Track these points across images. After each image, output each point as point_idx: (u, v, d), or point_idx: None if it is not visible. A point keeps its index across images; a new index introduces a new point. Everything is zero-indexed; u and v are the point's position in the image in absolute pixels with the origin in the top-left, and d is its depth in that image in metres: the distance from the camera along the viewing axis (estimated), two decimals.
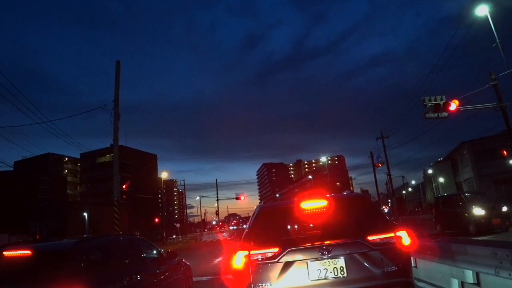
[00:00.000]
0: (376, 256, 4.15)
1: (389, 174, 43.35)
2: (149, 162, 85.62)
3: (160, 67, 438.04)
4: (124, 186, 22.10)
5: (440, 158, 61.09)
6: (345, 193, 6.36)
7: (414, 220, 33.41)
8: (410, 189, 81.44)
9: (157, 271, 6.60)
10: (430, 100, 18.55)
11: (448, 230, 18.43)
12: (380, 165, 45.66)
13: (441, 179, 55.72)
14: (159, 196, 58.22)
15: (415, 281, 7.85)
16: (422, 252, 8.02)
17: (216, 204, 65.22)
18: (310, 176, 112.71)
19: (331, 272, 4.11)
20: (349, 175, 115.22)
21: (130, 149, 79.00)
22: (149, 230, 61.82)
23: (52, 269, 4.45)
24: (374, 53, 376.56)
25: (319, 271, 4.12)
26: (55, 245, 5.55)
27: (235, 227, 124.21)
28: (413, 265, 8.35)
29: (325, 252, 4.12)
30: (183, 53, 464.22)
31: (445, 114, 18.52)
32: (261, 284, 4.14)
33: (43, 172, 65.18)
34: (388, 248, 4.21)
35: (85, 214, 41.78)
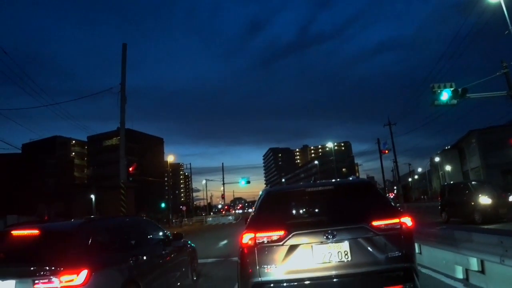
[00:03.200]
0: (380, 241, 4.16)
1: (395, 161, 43.25)
2: (156, 146, 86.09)
3: (164, 52, 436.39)
4: (130, 169, 22.28)
5: (447, 147, 60.77)
6: (350, 179, 6.35)
7: (419, 207, 33.39)
8: (416, 177, 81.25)
9: (163, 252, 6.63)
10: (439, 87, 18.32)
11: (454, 218, 18.33)
12: (386, 152, 45.45)
13: (448, 168, 55.51)
14: (165, 179, 58.58)
15: (419, 268, 7.90)
16: (426, 239, 8.02)
17: (221, 188, 65.60)
18: (316, 162, 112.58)
19: (335, 256, 4.12)
20: (355, 161, 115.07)
21: (136, 133, 79.36)
22: (155, 213, 62.33)
23: (59, 248, 4.58)
24: (380, 39, 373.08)
25: (323, 254, 4.13)
26: (62, 225, 5.64)
27: (240, 211, 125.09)
28: (417, 251, 8.28)
29: (329, 236, 4.12)
30: (187, 38, 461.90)
31: (454, 101, 18.29)
32: (266, 266, 4.18)
33: (50, 154, 65.63)
34: (392, 234, 4.20)
35: (92, 196, 42.08)
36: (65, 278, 4.17)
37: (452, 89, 18.09)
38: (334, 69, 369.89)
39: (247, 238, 4.32)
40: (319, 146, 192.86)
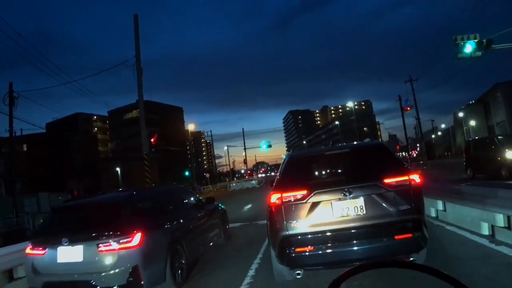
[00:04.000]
0: (391, 196, 4.61)
1: (417, 118, 42.39)
2: (175, 115, 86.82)
3: (178, 21, 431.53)
4: (152, 140, 22.54)
5: (471, 101, 59.04)
6: (366, 141, 7.17)
7: (443, 164, 32.92)
8: (439, 133, 79.72)
9: (198, 215, 7.52)
10: (462, 39, 17.56)
11: (479, 174, 17.98)
12: (408, 108, 44.46)
13: (472, 123, 54.16)
14: (187, 147, 59.36)
15: (443, 225, 7.91)
16: (451, 196, 7.97)
17: (243, 153, 66.23)
18: (337, 122, 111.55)
19: (352, 210, 4.61)
20: (377, 120, 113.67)
21: (155, 104, 79.79)
22: (179, 182, 63.90)
23: (115, 216, 5.39)
24: None
25: (341, 209, 4.63)
26: (112, 197, 6.46)
27: (263, 175, 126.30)
28: (441, 208, 8.43)
29: (346, 193, 4.60)
30: (200, 3, 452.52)
31: (478, 53, 17.54)
32: (292, 221, 4.68)
33: (74, 132, 67.17)
34: (402, 190, 4.66)
35: (118, 169, 43.19)
36: (123, 240, 5.01)
37: (476, 40, 17.30)
38: (352, 26, 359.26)
39: (274, 198, 4.84)
40: (339, 106, 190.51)
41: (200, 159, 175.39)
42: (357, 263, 3.73)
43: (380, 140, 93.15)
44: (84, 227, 5.33)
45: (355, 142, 7.93)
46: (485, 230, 6.62)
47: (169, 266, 5.60)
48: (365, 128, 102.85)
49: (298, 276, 4.90)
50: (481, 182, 14.70)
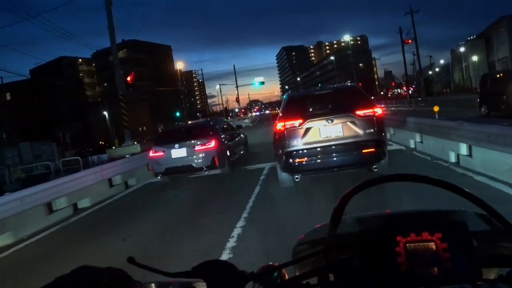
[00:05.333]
0: (361, 123, 6.54)
1: (417, 53, 40.34)
2: (164, 54, 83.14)
3: None
4: (129, 79, 20.55)
5: (472, 36, 56.49)
6: (346, 83, 10.03)
7: (446, 101, 31.24)
8: (437, 70, 77.54)
9: (235, 135, 12.65)
10: None
11: (495, 111, 16.12)
12: (410, 41, 42.08)
13: (474, 58, 52.08)
14: (179, 87, 57.24)
15: (470, 173, 6.73)
16: (479, 138, 6.60)
17: (236, 92, 64.28)
18: (332, 58, 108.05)
19: (333, 133, 6.59)
20: (373, 56, 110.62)
21: (142, 43, 76.11)
22: (172, 122, 62.67)
23: (199, 133, 10.46)
24: None
25: (326, 132, 6.61)
26: (197, 123, 13.86)
27: (257, 113, 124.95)
28: (466, 153, 7.43)
29: (329, 121, 6.56)
30: None
31: None
32: (292, 141, 6.66)
33: (59, 76, 63.97)
34: (368, 119, 6.56)
35: (105, 113, 41.56)
36: (206, 144, 9.83)
37: None
38: None
39: (280, 125, 6.80)
40: (334, 42, 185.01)
41: (193, 99, 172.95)
42: (336, 169, 6.83)
43: (376, 76, 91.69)
44: (185, 138, 10.22)
45: (336, 85, 10.86)
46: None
47: (227, 159, 10.40)
48: (360, 64, 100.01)
49: (297, 180, 7.10)
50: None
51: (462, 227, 0.69)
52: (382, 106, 46.91)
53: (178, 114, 56.31)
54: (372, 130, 6.54)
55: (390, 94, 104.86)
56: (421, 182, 0.76)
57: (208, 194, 8.61)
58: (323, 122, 6.59)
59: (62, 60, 72.99)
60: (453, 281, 0.62)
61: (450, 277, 0.63)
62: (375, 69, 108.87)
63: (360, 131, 6.54)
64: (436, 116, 11.80)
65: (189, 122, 15.94)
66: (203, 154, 9.84)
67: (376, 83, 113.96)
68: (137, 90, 62.97)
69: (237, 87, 60.61)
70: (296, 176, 7.05)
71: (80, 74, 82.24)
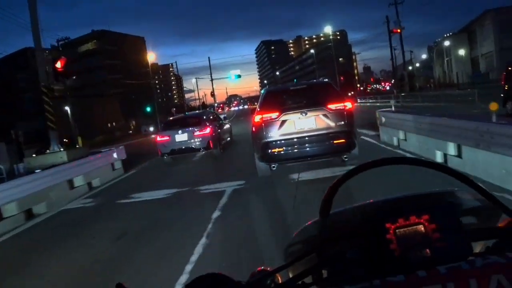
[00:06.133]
0: (332, 116, 7.28)
1: (401, 45, 38.17)
2: (137, 46, 79.17)
3: None
4: (59, 66, 16.32)
5: (451, 32, 55.23)
6: (321, 79, 10.86)
7: (436, 97, 28.94)
8: (417, 65, 76.40)
9: (223, 124, 15.44)
10: None
11: None
12: (399, 30, 39.64)
13: (460, 52, 50.57)
14: (153, 81, 52.76)
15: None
16: None
17: (214, 86, 61.26)
18: (312, 51, 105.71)
19: (307, 125, 7.32)
20: (353, 51, 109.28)
21: (113, 33, 72.13)
22: (145, 118, 59.35)
23: (198, 121, 13.32)
24: None
25: (300, 124, 7.33)
26: (196, 114, 17.38)
27: (236, 108, 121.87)
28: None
29: (304, 114, 7.29)
30: None
31: None
32: (269, 132, 7.37)
33: (23, 69, 59.29)
34: (339, 112, 7.32)
35: (67, 108, 37.90)
36: (203, 131, 12.60)
37: None
38: None
39: (258, 118, 7.49)
40: (314, 36, 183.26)
41: (170, 94, 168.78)
42: (309, 158, 7.70)
43: (355, 71, 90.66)
44: (186, 126, 12.89)
45: (310, 81, 10.81)
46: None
47: (218, 142, 13.34)
48: (341, 59, 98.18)
49: (274, 168, 7.81)
50: None
51: (447, 206, 0.72)
52: (366, 101, 45.39)
53: (148, 109, 52.81)
54: (343, 123, 7.21)
55: (370, 89, 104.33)
56: (410, 164, 0.76)
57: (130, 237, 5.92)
58: (298, 115, 7.23)
59: (27, 52, 68.38)
60: (446, 259, 0.63)
61: (443, 256, 0.64)
62: (355, 63, 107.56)
63: (332, 124, 7.21)
64: (494, 118, 8.09)
65: (187, 113, 20.38)
66: (201, 138, 12.61)
67: (356, 78, 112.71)
68: (68, 80, 59.09)
69: (211, 80, 57.55)
70: (273, 165, 7.69)
71: (47, 67, 77.90)
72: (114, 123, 55.66)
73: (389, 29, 37.03)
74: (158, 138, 13.00)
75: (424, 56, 73.98)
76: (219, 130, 13.84)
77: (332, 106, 7.18)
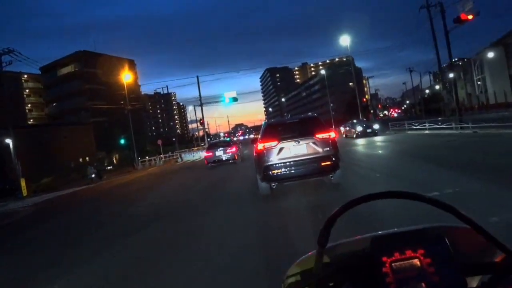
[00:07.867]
0: (320, 143, 8.82)
1: (436, 53, 29.57)
2: (125, 70, 71.91)
3: None
4: None
5: (479, 49, 47.32)
6: (309, 114, 11.43)
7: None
8: (437, 87, 68.27)
9: (232, 145, 25.44)
10: None
11: None
12: (471, 16, 27.84)
13: (494, 70, 42.28)
14: (128, 107, 43.02)
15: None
16: None
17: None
18: (322, 71, 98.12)
19: (300, 150, 8.80)
20: (364, 75, 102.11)
21: (97, 55, 64.61)
22: (120, 151, 51.51)
23: (229, 143, 26.25)
24: None
25: (295, 150, 8.80)
26: (226, 141, 30.14)
27: (241, 137, 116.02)
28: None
29: (297, 142, 8.81)
30: None
31: None
32: (269, 157, 8.80)
33: None
34: (325, 140, 8.86)
35: (9, 141, 29.17)
36: (232, 150, 24.29)
37: None
38: None
39: (260, 145, 8.93)
40: (320, 63, 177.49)
41: (172, 123, 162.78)
42: (302, 178, 9.34)
43: (367, 96, 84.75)
44: (222, 146, 24.61)
45: (301, 115, 12.05)
46: None
47: (240, 157, 25.07)
48: (351, 84, 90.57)
49: (274, 187, 9.24)
50: None
51: (442, 241, 0.72)
52: (408, 126, 33.89)
53: (122, 141, 43.63)
54: (328, 148, 8.88)
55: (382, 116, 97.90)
56: (412, 199, 0.77)
57: None
58: (293, 142, 8.90)
59: (1, 76, 61.45)
60: None
61: None
62: (366, 88, 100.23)
63: (320, 149, 8.88)
64: None
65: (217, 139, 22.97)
66: (230, 154, 23.45)
67: (369, 103, 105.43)
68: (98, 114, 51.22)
69: (201, 104, 49.64)
70: (273, 184, 9.20)
71: (26, 91, 70.88)
72: (87, 158, 47.53)
73: (431, 21, 28.65)
74: (205, 154, 25.06)
75: (451, 76, 65.74)
76: (238, 149, 25.16)
77: (319, 136, 8.91)
